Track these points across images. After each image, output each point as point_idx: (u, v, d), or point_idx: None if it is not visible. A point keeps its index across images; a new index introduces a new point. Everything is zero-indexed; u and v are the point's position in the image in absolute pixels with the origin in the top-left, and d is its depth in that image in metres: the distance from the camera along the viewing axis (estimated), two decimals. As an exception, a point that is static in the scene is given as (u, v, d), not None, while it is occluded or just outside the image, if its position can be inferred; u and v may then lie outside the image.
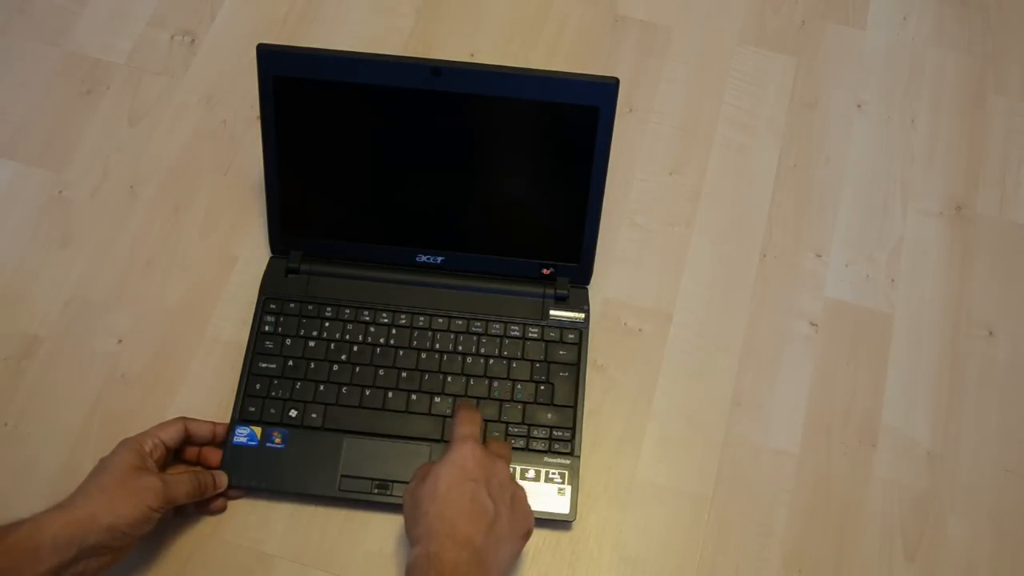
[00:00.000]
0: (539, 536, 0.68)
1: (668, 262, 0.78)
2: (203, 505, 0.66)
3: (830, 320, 0.77)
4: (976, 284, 0.78)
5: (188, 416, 0.67)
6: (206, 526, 0.67)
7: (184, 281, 0.76)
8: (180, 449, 0.66)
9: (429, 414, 0.69)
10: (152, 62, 0.85)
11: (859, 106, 0.85)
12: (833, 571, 0.68)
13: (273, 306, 0.72)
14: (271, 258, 0.75)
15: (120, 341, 0.74)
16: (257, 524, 0.67)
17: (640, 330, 0.75)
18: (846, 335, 0.76)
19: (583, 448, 0.69)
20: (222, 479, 0.66)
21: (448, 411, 0.69)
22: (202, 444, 0.67)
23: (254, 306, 0.73)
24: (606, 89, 0.66)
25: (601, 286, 0.76)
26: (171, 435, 0.64)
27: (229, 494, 0.67)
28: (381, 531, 0.68)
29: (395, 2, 0.88)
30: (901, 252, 0.79)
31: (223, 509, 0.67)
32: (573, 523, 0.68)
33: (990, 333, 0.77)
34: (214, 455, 0.67)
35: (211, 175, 0.80)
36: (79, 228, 0.78)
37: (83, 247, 0.77)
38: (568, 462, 0.68)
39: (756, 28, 0.88)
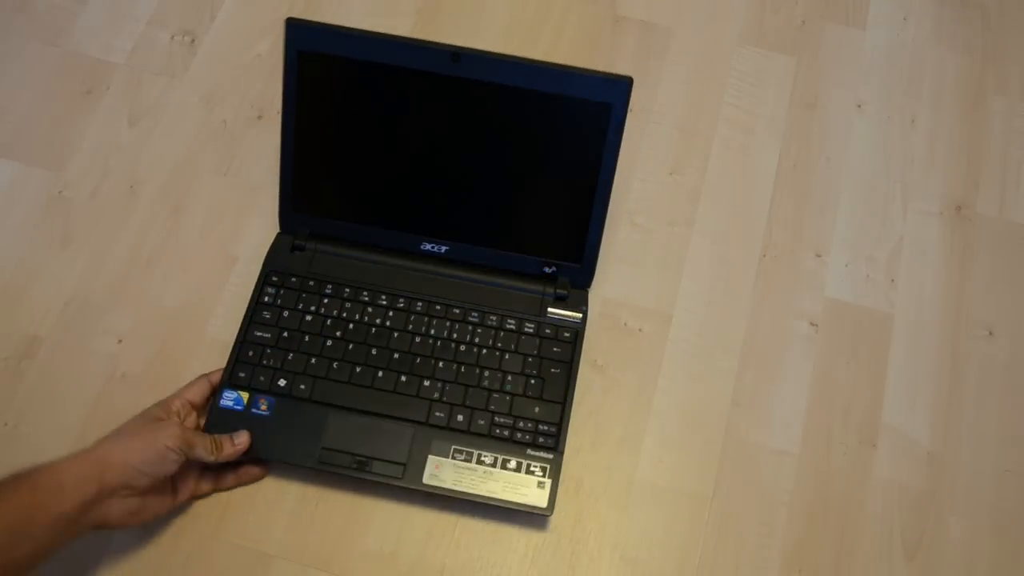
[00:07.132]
0: (539, 536, 0.68)
1: (668, 262, 0.78)
2: (240, 474, 0.68)
3: (830, 320, 0.76)
4: (976, 284, 0.78)
5: (208, 372, 0.69)
6: (206, 526, 0.67)
7: (184, 281, 0.76)
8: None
9: (417, 396, 0.69)
10: (152, 62, 0.85)
11: (859, 106, 0.85)
12: (833, 571, 0.68)
13: (275, 279, 0.73)
14: (278, 234, 0.75)
15: (120, 341, 0.74)
16: (257, 524, 0.67)
17: (640, 330, 0.75)
18: (846, 335, 0.76)
19: (580, 448, 0.69)
20: (241, 437, 0.66)
21: (436, 396, 0.69)
22: None
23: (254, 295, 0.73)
24: (619, 86, 0.66)
25: (601, 286, 0.76)
26: (197, 393, 0.67)
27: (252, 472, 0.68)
28: (381, 531, 0.68)
29: (395, 2, 0.88)
30: (901, 252, 0.79)
31: (261, 476, 0.68)
32: (550, 519, 0.68)
33: (990, 333, 0.77)
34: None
35: (211, 175, 0.80)
36: (79, 228, 0.78)
37: (83, 247, 0.77)
38: (551, 457, 0.67)
39: (756, 28, 0.88)
